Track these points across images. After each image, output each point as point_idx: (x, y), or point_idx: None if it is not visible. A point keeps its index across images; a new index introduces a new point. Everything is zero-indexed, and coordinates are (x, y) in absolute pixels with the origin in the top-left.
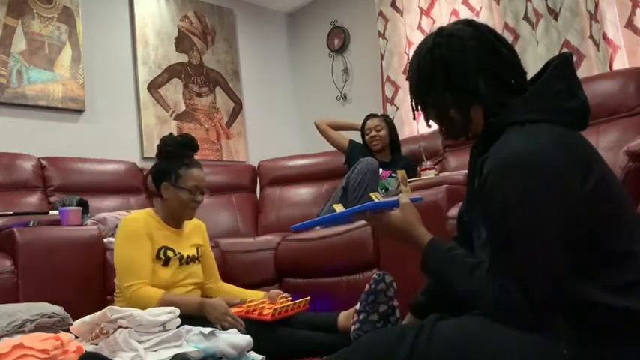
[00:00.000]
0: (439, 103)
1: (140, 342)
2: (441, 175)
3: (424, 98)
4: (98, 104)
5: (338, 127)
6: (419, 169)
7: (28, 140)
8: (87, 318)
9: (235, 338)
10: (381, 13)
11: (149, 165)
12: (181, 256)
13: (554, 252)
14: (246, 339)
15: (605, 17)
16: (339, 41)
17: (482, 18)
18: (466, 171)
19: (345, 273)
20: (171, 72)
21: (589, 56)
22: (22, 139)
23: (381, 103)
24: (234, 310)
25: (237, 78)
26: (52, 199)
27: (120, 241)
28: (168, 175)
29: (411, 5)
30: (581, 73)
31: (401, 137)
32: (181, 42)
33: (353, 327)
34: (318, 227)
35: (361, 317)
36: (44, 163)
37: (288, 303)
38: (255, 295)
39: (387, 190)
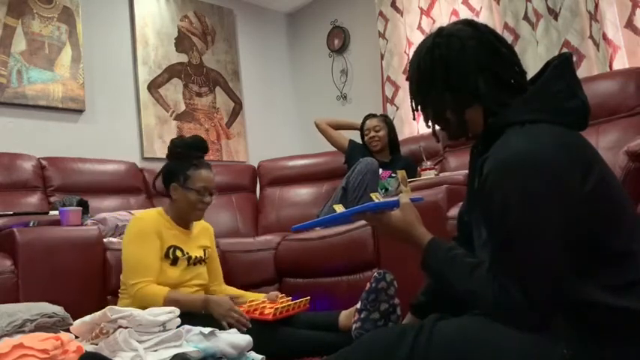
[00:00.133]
0: (438, 104)
1: (140, 342)
2: (441, 175)
3: (424, 98)
4: (98, 104)
5: (338, 127)
6: (419, 169)
7: (28, 140)
8: (87, 318)
9: (235, 338)
10: (381, 13)
11: (149, 165)
12: (189, 257)
13: (554, 252)
14: (246, 339)
15: (605, 17)
16: (339, 41)
17: (483, 18)
18: (466, 171)
19: (345, 273)
20: (171, 72)
21: (589, 56)
22: (22, 139)
23: (381, 103)
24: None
25: (237, 78)
26: (52, 199)
27: (129, 239)
28: (177, 175)
29: (411, 5)
30: (581, 73)
31: (401, 137)
32: (181, 42)
33: (354, 326)
34: (318, 227)
35: (362, 316)
36: (44, 163)
37: (289, 303)
38: (255, 298)
39: (386, 190)
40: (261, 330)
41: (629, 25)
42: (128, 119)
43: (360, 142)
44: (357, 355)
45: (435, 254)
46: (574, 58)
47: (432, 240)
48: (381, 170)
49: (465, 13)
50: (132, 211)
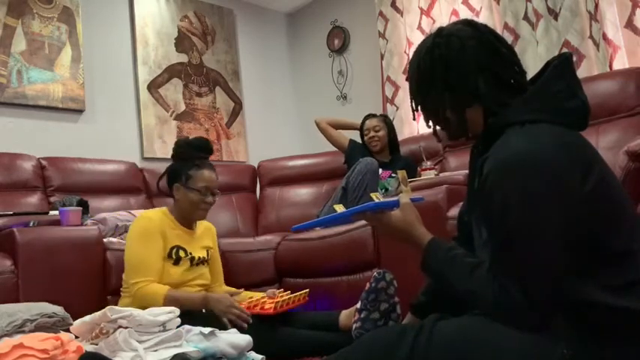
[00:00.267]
0: (438, 104)
1: (140, 342)
2: (441, 175)
3: (424, 98)
4: (98, 104)
5: (338, 126)
6: (419, 169)
7: (28, 140)
8: (87, 318)
9: (235, 338)
10: (381, 13)
11: (149, 165)
12: (192, 258)
13: (554, 252)
14: (246, 339)
15: (605, 17)
16: (339, 41)
17: (483, 18)
18: (466, 171)
19: (345, 273)
20: (171, 72)
21: (589, 56)
22: (22, 139)
23: (381, 103)
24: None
25: (237, 78)
26: (52, 199)
27: (133, 238)
28: (180, 175)
29: (411, 5)
30: (581, 73)
31: (401, 137)
32: (181, 42)
33: (354, 326)
34: (318, 227)
35: (362, 316)
36: (44, 163)
37: (289, 296)
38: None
39: (386, 190)
40: (261, 330)
41: (629, 25)
42: (128, 119)
43: (360, 142)
44: (357, 355)
45: (435, 254)
46: (574, 58)
47: (432, 240)
48: (380, 170)
49: (465, 13)
50: (132, 211)
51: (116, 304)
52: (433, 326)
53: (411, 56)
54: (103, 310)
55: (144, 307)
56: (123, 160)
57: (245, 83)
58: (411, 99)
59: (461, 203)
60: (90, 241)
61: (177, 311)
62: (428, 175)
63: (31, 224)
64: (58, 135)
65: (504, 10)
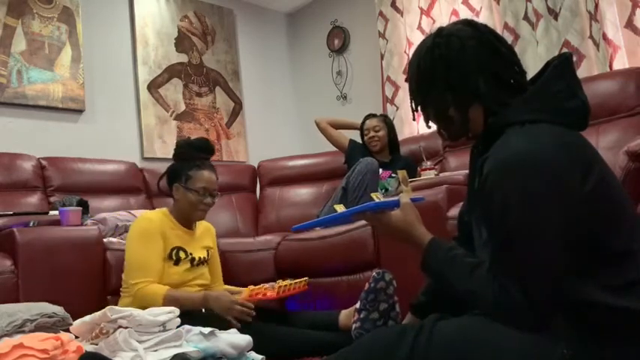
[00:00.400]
0: (439, 103)
1: (140, 342)
2: (441, 175)
3: (424, 98)
4: (98, 104)
5: (338, 126)
6: (419, 169)
7: (28, 140)
8: (87, 318)
9: (235, 338)
10: (381, 13)
11: (149, 165)
12: (192, 258)
13: (554, 252)
14: (246, 339)
15: (605, 17)
16: (339, 41)
17: (483, 18)
18: (466, 171)
19: (345, 273)
20: (171, 72)
21: (589, 56)
22: (22, 139)
23: (381, 103)
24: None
25: (237, 78)
26: (52, 199)
27: (133, 239)
28: (180, 176)
29: (411, 5)
30: (581, 73)
31: (401, 137)
32: (181, 42)
33: (354, 326)
34: (318, 227)
35: (362, 316)
36: (44, 163)
37: (290, 282)
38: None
39: (386, 190)
40: (261, 330)
41: (629, 25)
42: (128, 119)
43: (360, 142)
44: (357, 355)
45: (435, 254)
46: (574, 58)
47: (432, 240)
48: (380, 170)
49: (465, 13)
50: (132, 211)
51: (116, 304)
52: (433, 326)
53: (410, 56)
54: (103, 310)
55: (144, 308)
56: (123, 160)
57: (245, 83)
58: (411, 99)
59: (461, 203)
60: (90, 241)
61: (177, 311)
62: (428, 175)
63: (31, 224)
64: (58, 135)
65: (504, 10)
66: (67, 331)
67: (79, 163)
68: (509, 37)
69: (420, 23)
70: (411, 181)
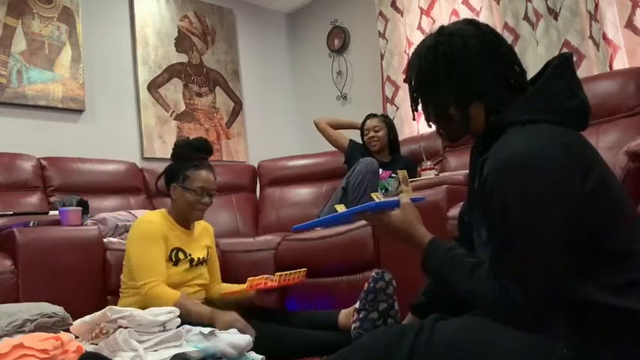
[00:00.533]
0: (440, 101)
1: (140, 342)
2: (441, 175)
3: (425, 96)
4: (98, 104)
5: (338, 126)
6: (419, 169)
7: (28, 140)
8: (87, 318)
9: (235, 338)
10: (381, 13)
11: (149, 165)
12: (192, 259)
13: (554, 252)
14: (246, 339)
15: (605, 17)
16: (339, 41)
17: (482, 18)
18: (466, 171)
19: (345, 273)
20: (171, 72)
21: (589, 56)
22: (22, 139)
23: (381, 103)
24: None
25: (237, 78)
26: (52, 199)
27: (136, 240)
28: (177, 175)
29: (411, 5)
30: (581, 73)
31: (401, 137)
32: (181, 42)
33: (353, 326)
34: (318, 227)
35: (361, 316)
36: (44, 163)
37: (289, 272)
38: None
39: (386, 190)
40: (261, 330)
41: (629, 25)
42: (128, 119)
43: (361, 142)
44: (357, 355)
45: (435, 254)
46: (574, 58)
47: (432, 240)
48: (380, 170)
49: (465, 13)
50: (132, 211)
51: (116, 304)
52: (433, 326)
53: (410, 56)
54: (103, 310)
55: (144, 308)
56: (123, 160)
57: (245, 83)
58: (412, 98)
59: (461, 203)
60: (90, 241)
61: (177, 311)
62: (428, 175)
63: (31, 224)
64: (58, 135)
65: (504, 10)
66: (67, 331)
67: (79, 163)
68: (509, 37)
69: (420, 23)
70: (411, 181)
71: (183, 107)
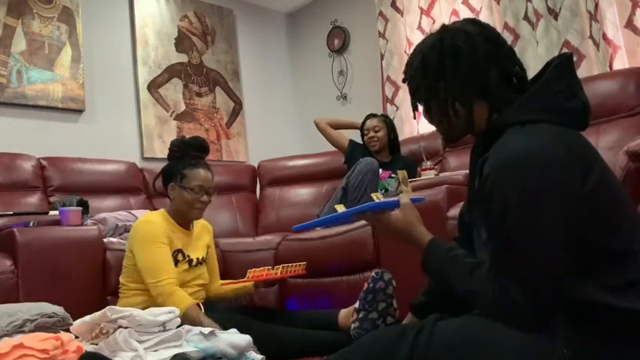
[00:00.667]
0: (444, 98)
1: (140, 342)
2: (441, 175)
3: (428, 93)
4: (98, 104)
5: (338, 126)
6: (419, 169)
7: (28, 140)
8: (87, 318)
9: (235, 338)
10: (381, 13)
11: (149, 165)
12: (190, 260)
13: (554, 252)
14: (246, 339)
15: (605, 17)
16: (339, 41)
17: (482, 18)
18: (466, 171)
19: (345, 273)
20: (171, 72)
21: (589, 56)
22: (22, 139)
23: (381, 103)
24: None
25: (237, 78)
26: (52, 199)
27: (141, 242)
28: (174, 175)
29: (411, 5)
30: (581, 73)
31: (401, 137)
32: (181, 42)
33: (352, 326)
34: (318, 227)
35: (361, 316)
36: (44, 163)
37: (290, 265)
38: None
39: (386, 190)
40: (261, 330)
41: (629, 25)
42: (128, 119)
43: (361, 142)
44: (357, 355)
45: (435, 254)
46: (574, 58)
47: (432, 240)
48: (380, 170)
49: (465, 13)
50: (132, 211)
51: (116, 305)
52: (433, 326)
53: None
54: (103, 310)
55: (144, 308)
56: (123, 160)
57: (245, 83)
58: (412, 96)
59: (461, 203)
60: (90, 241)
61: (177, 311)
62: (428, 175)
63: (31, 224)
64: (58, 135)
65: (504, 10)
66: (67, 331)
67: (79, 163)
68: (509, 37)
69: (420, 23)
70: (411, 181)
71: (183, 107)
